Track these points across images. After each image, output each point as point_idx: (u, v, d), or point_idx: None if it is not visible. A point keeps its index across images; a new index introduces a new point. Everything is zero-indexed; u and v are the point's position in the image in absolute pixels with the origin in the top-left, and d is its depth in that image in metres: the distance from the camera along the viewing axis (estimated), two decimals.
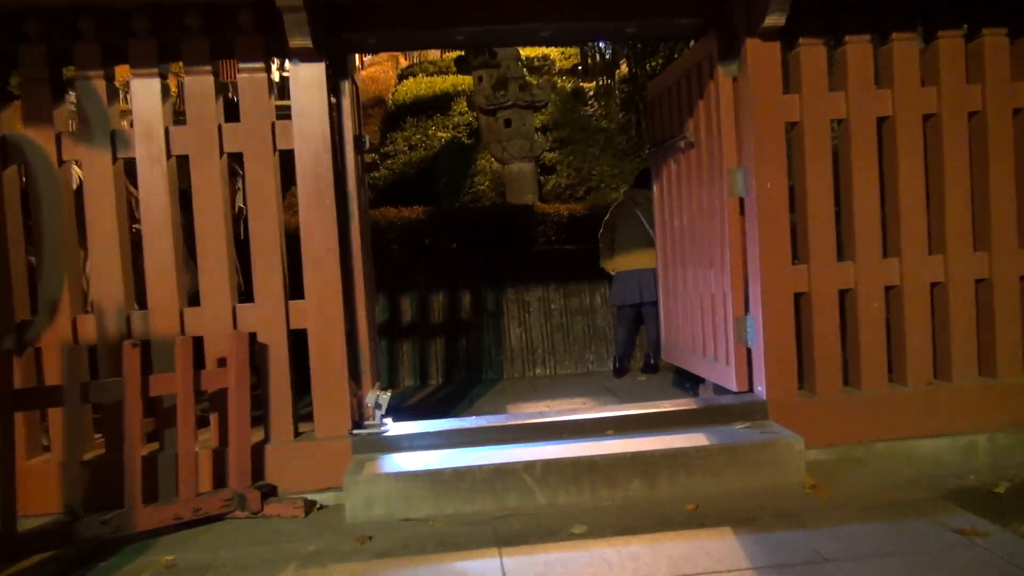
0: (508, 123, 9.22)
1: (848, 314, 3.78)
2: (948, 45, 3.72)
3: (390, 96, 13.79)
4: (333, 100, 3.56)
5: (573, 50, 18.11)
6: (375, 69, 16.07)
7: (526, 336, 6.93)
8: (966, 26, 3.79)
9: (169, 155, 3.42)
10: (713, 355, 4.14)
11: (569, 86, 14.78)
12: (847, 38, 3.67)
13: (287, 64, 3.43)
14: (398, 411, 5.68)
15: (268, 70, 3.44)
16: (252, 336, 3.41)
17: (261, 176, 3.41)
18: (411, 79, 15.49)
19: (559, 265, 7.12)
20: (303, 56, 3.37)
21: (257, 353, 3.44)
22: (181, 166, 3.48)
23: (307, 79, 3.39)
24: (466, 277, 7.00)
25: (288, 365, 3.46)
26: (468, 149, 10.53)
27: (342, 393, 3.45)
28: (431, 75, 15.74)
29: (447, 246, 7.38)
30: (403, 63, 18.47)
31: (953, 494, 3.31)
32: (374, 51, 3.56)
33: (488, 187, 9.51)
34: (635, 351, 6.73)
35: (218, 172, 3.40)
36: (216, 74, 3.44)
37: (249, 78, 3.41)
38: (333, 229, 3.42)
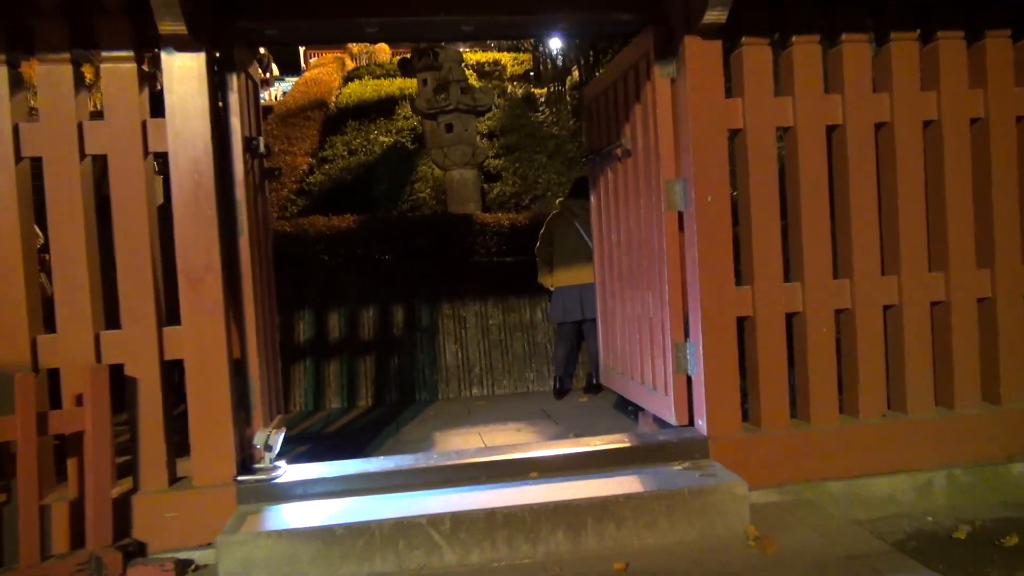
0: (450, 128, 8.81)
1: (796, 340, 3.45)
2: (901, 48, 3.42)
3: (333, 99, 13.28)
4: (221, 97, 3.10)
5: (525, 56, 17.82)
6: (319, 71, 15.55)
7: (462, 354, 6.52)
8: (919, 30, 3.50)
9: (19, 158, 2.93)
10: (651, 384, 3.78)
11: (520, 92, 14.46)
12: (794, 38, 3.35)
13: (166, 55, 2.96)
14: (317, 438, 5.22)
15: (140, 59, 2.97)
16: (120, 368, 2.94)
17: (128, 181, 2.94)
18: (356, 82, 15.01)
19: (498, 278, 6.73)
20: (178, 44, 2.91)
21: (127, 388, 2.97)
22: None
23: (183, 71, 2.94)
24: (400, 290, 6.57)
25: (163, 401, 2.98)
26: (411, 155, 10.10)
27: (224, 433, 3.00)
28: (377, 78, 15.28)
29: (380, 257, 6.93)
30: (350, 65, 17.97)
31: (910, 541, 2.99)
32: (274, 42, 3.19)
33: (429, 195, 9.09)
34: (577, 369, 6.37)
35: (77, 176, 2.92)
36: (76, 63, 2.96)
37: (113, 69, 2.94)
38: (214, 244, 2.96)
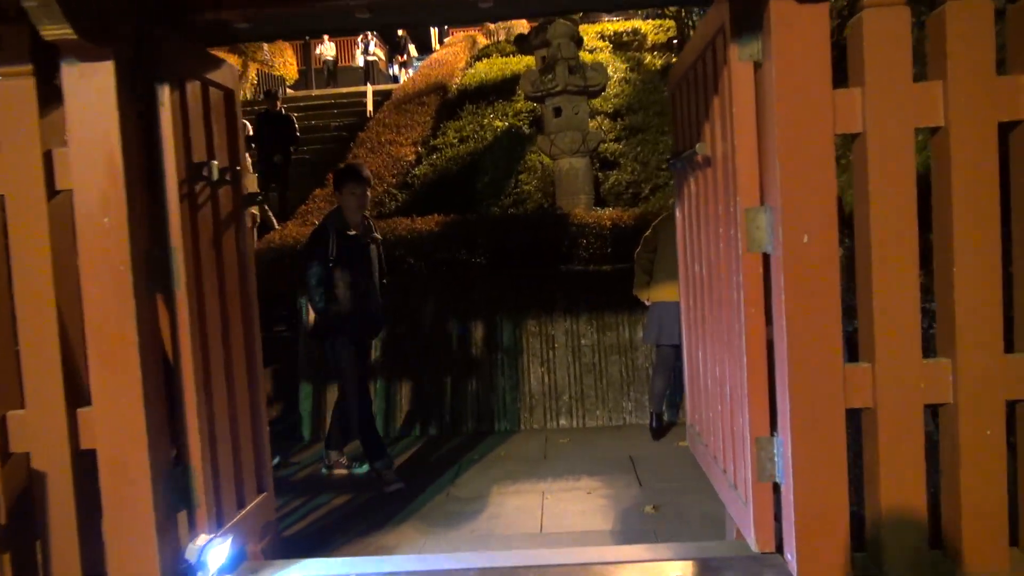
0: (558, 112, 7.90)
1: (943, 445, 2.35)
2: None
3: (455, 81, 12.69)
4: (149, 115, 2.45)
5: (670, 23, 16.38)
6: (446, 51, 15.00)
7: (549, 378, 5.69)
8: None
9: None
10: (732, 479, 2.79)
11: (660, 62, 13.17)
12: None
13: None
14: (357, 486, 4.40)
15: (44, 73, 2.37)
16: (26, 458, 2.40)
17: (27, 228, 2.36)
18: (484, 61, 14.33)
19: (594, 290, 5.83)
20: (79, 52, 2.28)
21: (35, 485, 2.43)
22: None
23: (85, 87, 2.30)
24: (480, 303, 5.83)
25: (75, 505, 2.41)
26: (522, 141, 9.29)
27: (146, 544, 2.38)
28: (506, 55, 14.52)
29: (463, 264, 6.21)
30: (482, 42, 17.33)
31: None
32: (244, 39, 2.60)
33: (535, 187, 8.25)
34: (682, 400, 5.37)
35: None
36: None
37: (6, 86, 2.35)
38: (129, 307, 2.32)
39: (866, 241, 2.27)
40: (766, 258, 2.42)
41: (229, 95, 2.93)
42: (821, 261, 2.24)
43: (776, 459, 2.41)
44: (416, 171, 9.10)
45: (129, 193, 2.33)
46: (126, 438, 2.37)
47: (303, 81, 22.79)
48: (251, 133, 9.49)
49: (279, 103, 10.00)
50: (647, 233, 4.99)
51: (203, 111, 2.71)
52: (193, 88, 2.64)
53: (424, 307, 5.84)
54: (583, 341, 5.72)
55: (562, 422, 5.60)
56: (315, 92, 18.63)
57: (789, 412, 2.27)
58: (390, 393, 5.71)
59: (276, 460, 4.86)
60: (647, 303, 4.98)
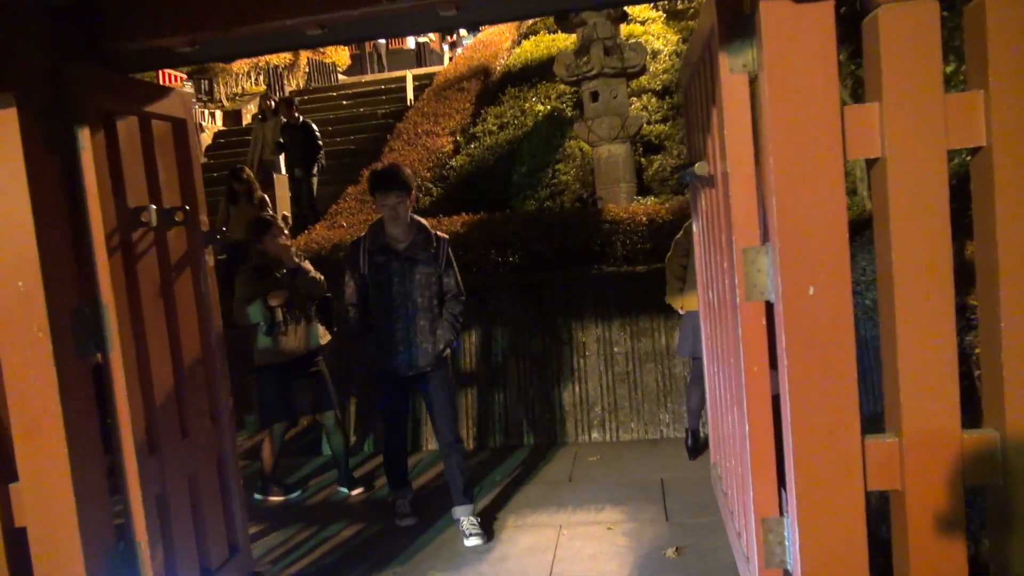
0: (595, 96, 7.45)
1: (991, 528, 1.94)
2: None
3: (499, 62, 12.28)
4: (66, 160, 2.23)
5: None
6: (490, 32, 14.55)
7: (580, 388, 5.36)
8: None
9: None
10: (744, 549, 2.43)
11: None
12: None
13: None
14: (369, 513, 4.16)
15: None
16: None
17: None
18: (531, 39, 13.84)
19: (628, 293, 5.44)
20: None
21: None
22: None
23: None
24: (506, 309, 5.53)
25: None
26: (565, 126, 8.86)
27: None
28: (554, 32, 13.99)
29: (490, 267, 5.91)
30: (529, 20, 16.80)
31: None
32: (169, 66, 2.37)
33: (573, 176, 7.85)
34: None
35: None
36: None
37: None
38: (50, 378, 2.12)
39: (889, 289, 1.87)
40: (768, 307, 2.03)
41: (180, 125, 2.68)
42: (831, 314, 1.84)
43: (786, 544, 2.04)
44: (453, 162, 8.81)
45: (45, 252, 2.11)
46: (55, 515, 2.18)
47: (357, 66, 22.76)
48: (281, 141, 9.25)
49: (294, 110, 9.25)
50: (678, 236, 4.58)
51: (142, 148, 2.47)
52: (127, 125, 2.40)
53: None
54: (616, 348, 5.36)
55: (594, 435, 5.27)
56: (365, 78, 18.53)
57: (795, 494, 1.90)
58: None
59: (298, 493, 4.69)
60: (681, 312, 4.58)
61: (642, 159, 8.00)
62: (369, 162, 8.96)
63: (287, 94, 16.57)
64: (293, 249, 4.77)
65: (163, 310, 2.49)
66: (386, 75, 17.56)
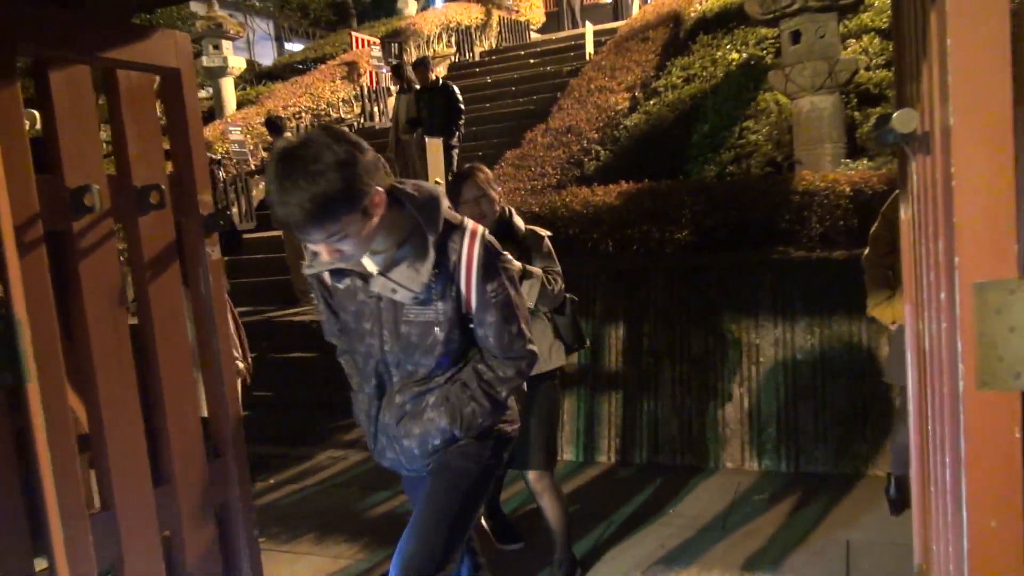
0: (795, 37, 6.12)
1: None
2: None
3: (693, 7, 10.92)
4: None
5: None
6: None
7: (751, 402, 4.31)
8: None
9: None
10: None
11: None
12: None
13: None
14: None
15: None
16: None
17: None
18: None
19: (819, 286, 4.28)
20: None
21: None
22: None
23: None
24: (663, 299, 4.58)
25: None
26: (760, 76, 7.52)
27: None
28: None
29: (646, 248, 4.94)
30: None
31: None
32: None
33: (764, 135, 6.55)
34: None
35: None
36: None
37: None
38: None
39: None
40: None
41: (172, 77, 2.07)
42: None
43: None
44: (627, 122, 7.80)
45: None
46: None
47: (554, 23, 22.06)
48: (415, 116, 8.32)
49: (432, 72, 8.26)
50: (874, 228, 3.38)
51: (111, 107, 1.87)
52: (69, 76, 1.80)
53: (592, 302, 4.72)
54: (799, 356, 4.22)
55: (765, 463, 4.20)
56: (557, 35, 17.77)
57: None
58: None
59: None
60: (891, 327, 3.40)
61: (855, 113, 6.52)
62: (541, 122, 8.19)
63: (476, 56, 16.25)
64: None
65: (124, 322, 1.91)
66: (579, 31, 16.67)
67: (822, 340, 4.19)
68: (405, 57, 15.32)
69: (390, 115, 9.92)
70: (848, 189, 4.62)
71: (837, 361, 4.14)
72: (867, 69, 6.97)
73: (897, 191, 3.43)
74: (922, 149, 1.43)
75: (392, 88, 13.77)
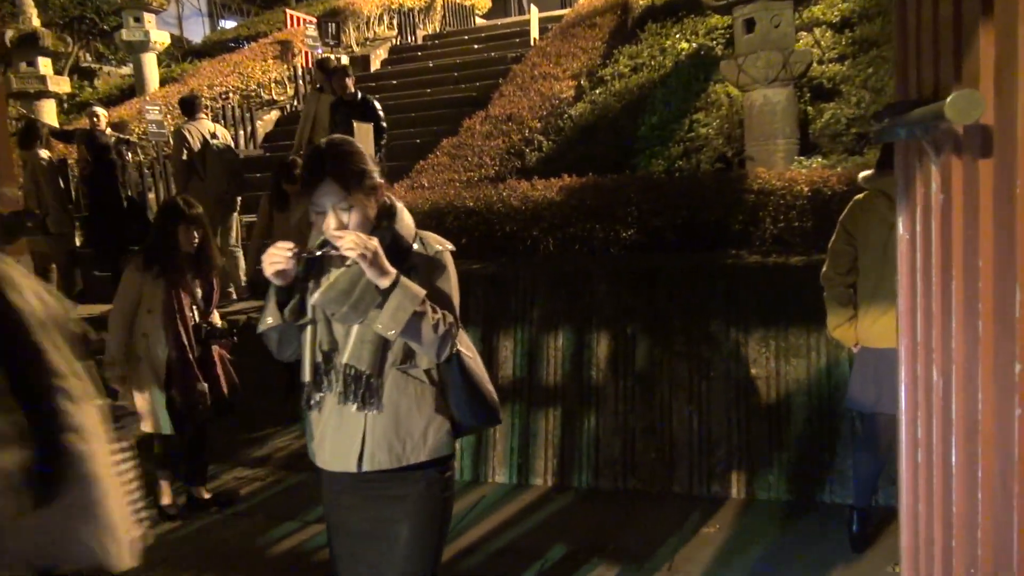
0: (750, 26, 5.78)
1: None
2: None
3: None
4: None
5: None
6: None
7: (700, 421, 3.94)
8: None
9: None
10: None
11: None
12: None
13: None
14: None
15: None
16: None
17: None
18: None
19: (774, 294, 3.92)
20: None
21: None
22: None
23: None
24: (606, 306, 4.17)
25: None
26: (711, 67, 7.18)
27: None
28: None
29: (593, 245, 4.53)
30: None
31: None
32: None
33: (715, 129, 6.20)
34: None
35: None
36: None
37: None
38: None
39: None
40: None
41: None
42: None
43: None
44: (572, 111, 7.38)
45: None
46: None
47: (501, 9, 21.57)
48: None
49: (350, 81, 6.87)
50: (833, 241, 3.04)
51: None
52: None
53: (530, 307, 4.29)
54: (753, 370, 3.87)
55: (715, 488, 3.84)
56: (502, 21, 17.28)
57: None
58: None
59: None
60: (854, 349, 3.05)
61: (809, 108, 6.23)
62: (480, 109, 7.70)
63: (419, 40, 15.60)
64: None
65: None
66: (526, 17, 16.19)
67: (777, 355, 3.83)
68: (343, 38, 14.62)
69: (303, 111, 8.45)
70: (806, 189, 4.28)
71: (793, 378, 3.80)
72: (819, 63, 6.69)
73: (856, 198, 3.11)
74: (952, 146, 1.01)
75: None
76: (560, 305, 4.28)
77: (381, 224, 1.90)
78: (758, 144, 5.85)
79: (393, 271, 1.77)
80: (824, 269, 3.07)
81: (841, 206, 3.76)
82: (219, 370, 3.85)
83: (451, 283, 1.95)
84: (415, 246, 1.94)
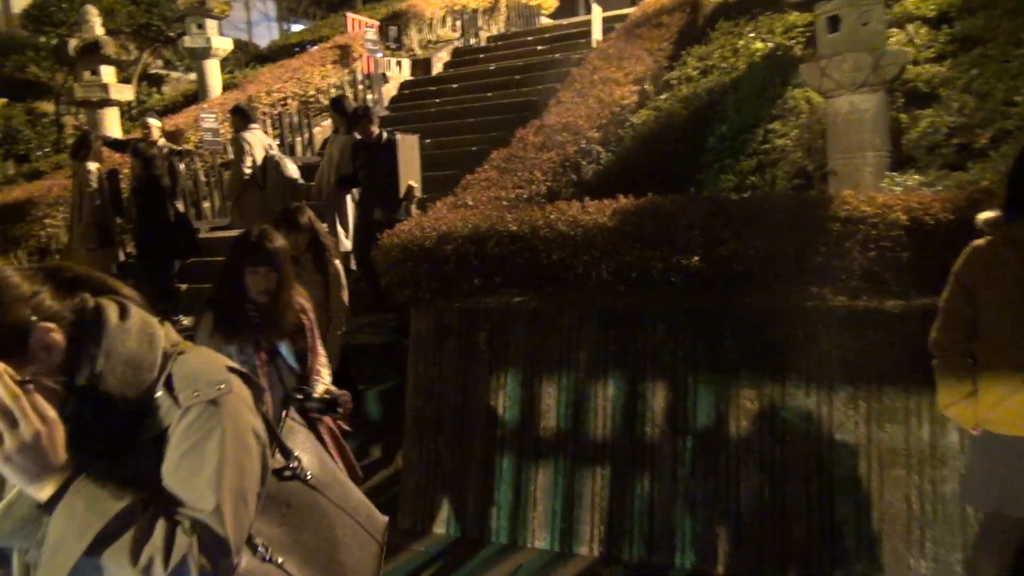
0: (834, 24, 5.12)
1: None
2: None
3: None
4: None
5: None
6: None
7: (774, 494, 3.35)
8: None
9: None
10: None
11: None
12: None
13: None
14: None
15: None
16: None
17: None
18: None
19: (862, 344, 3.30)
20: None
21: None
22: None
23: None
24: (663, 350, 3.63)
25: None
26: (788, 69, 6.51)
27: None
28: None
29: (648, 279, 3.98)
30: None
31: None
32: None
33: (793, 140, 5.55)
34: None
35: None
36: None
37: None
38: None
39: None
40: None
41: None
42: None
43: None
44: (634, 118, 6.81)
45: None
46: None
47: (569, 8, 21.03)
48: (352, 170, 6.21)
49: (374, 125, 6.03)
50: (945, 299, 2.42)
51: None
52: None
53: (576, 349, 3.78)
54: (838, 435, 3.26)
55: (790, 574, 3.25)
56: (567, 21, 16.73)
57: None
58: (519, 481, 3.79)
59: None
60: (974, 432, 2.43)
61: (902, 115, 5.50)
62: (536, 116, 7.21)
63: (483, 41, 15.18)
64: None
65: None
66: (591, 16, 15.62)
67: (868, 418, 3.22)
68: (405, 41, 14.33)
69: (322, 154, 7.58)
70: (904, 217, 3.62)
71: (888, 448, 3.18)
72: (914, 64, 5.95)
73: (975, 245, 2.47)
74: None
75: (387, 74, 12.82)
76: (611, 347, 3.76)
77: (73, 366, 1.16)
78: (843, 157, 5.18)
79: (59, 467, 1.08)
80: (934, 334, 2.47)
81: (947, 239, 3.14)
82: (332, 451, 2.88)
83: (219, 456, 1.15)
84: (158, 394, 1.18)
